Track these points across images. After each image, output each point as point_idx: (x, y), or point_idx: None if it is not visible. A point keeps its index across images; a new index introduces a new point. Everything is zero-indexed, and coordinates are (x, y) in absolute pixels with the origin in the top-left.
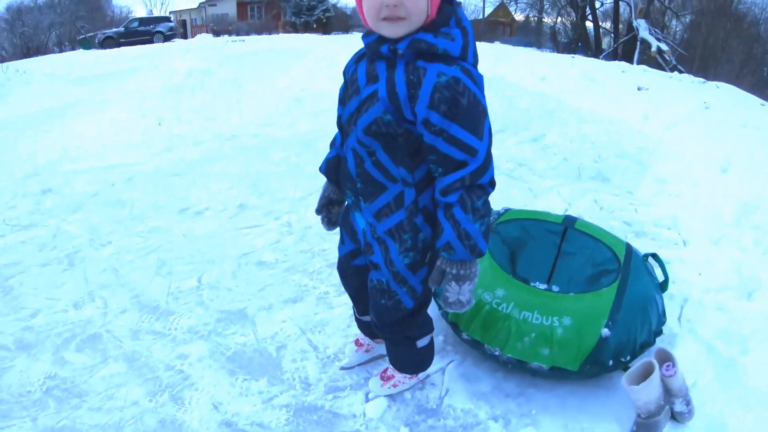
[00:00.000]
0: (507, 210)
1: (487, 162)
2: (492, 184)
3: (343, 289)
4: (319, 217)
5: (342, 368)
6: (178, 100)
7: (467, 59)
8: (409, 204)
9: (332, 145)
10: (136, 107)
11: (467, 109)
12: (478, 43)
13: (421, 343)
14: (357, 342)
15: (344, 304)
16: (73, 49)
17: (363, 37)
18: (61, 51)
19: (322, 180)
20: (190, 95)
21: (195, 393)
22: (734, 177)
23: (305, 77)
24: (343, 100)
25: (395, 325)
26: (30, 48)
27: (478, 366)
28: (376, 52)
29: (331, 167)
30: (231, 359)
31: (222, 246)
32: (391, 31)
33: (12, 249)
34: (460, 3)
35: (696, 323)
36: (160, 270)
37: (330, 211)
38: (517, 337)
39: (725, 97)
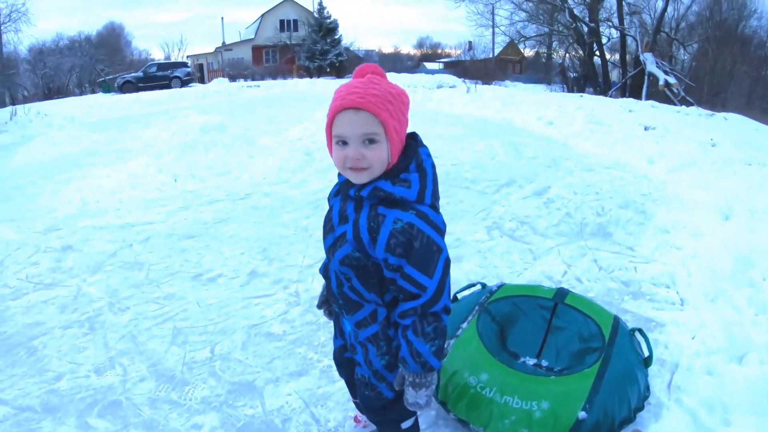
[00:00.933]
0: (501, 286)
1: (437, 296)
2: (446, 311)
3: None
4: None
5: None
6: (193, 156)
7: (424, 201)
8: (382, 319)
9: None
10: (153, 161)
11: (419, 251)
12: (488, 86)
13: (406, 425)
14: (356, 418)
15: None
16: (93, 91)
17: (338, 175)
18: (81, 92)
19: None
20: (204, 151)
21: None
22: (735, 225)
23: (316, 128)
24: (324, 232)
25: (380, 410)
26: (51, 89)
27: None
28: (347, 194)
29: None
30: (241, 430)
31: (234, 316)
32: (355, 178)
33: (35, 308)
34: (421, 143)
35: (683, 391)
36: (176, 339)
37: (330, 305)
38: (499, 418)
39: (733, 130)
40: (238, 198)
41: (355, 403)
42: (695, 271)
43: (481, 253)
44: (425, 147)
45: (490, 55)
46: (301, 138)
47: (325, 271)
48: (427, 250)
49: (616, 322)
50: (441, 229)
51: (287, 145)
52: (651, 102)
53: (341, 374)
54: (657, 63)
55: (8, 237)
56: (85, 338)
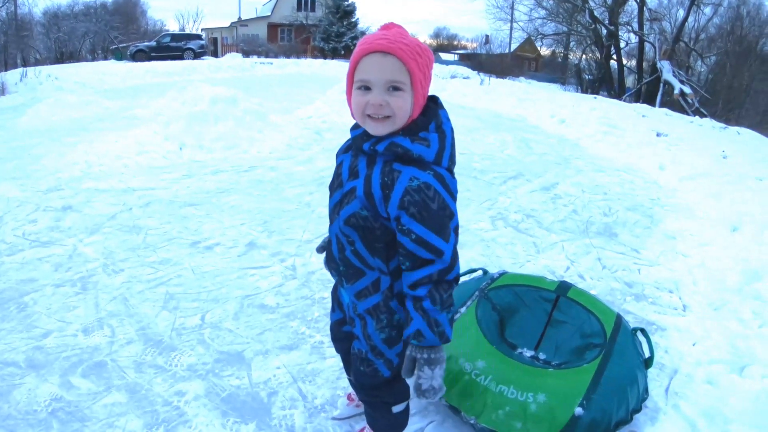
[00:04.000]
0: (502, 274)
1: (453, 262)
2: (457, 280)
3: None
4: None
5: (333, 418)
6: (201, 127)
7: (441, 163)
8: (385, 289)
9: None
10: (160, 129)
11: (435, 212)
12: (502, 80)
13: (397, 408)
14: (349, 396)
15: (336, 356)
16: (106, 58)
17: (351, 129)
18: (93, 59)
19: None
20: (214, 123)
21: (188, 431)
22: (744, 238)
23: (328, 109)
24: (330, 190)
25: (373, 389)
26: (63, 53)
27: (457, 428)
28: (360, 148)
29: None
30: (225, 401)
31: (228, 285)
32: (374, 129)
33: (30, 265)
34: (442, 105)
35: (682, 398)
36: (167, 304)
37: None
38: (493, 408)
39: (745, 144)
40: (242, 170)
41: (349, 380)
42: (701, 280)
43: (485, 242)
44: (445, 110)
45: (507, 50)
46: (311, 117)
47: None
48: (442, 213)
49: (619, 320)
50: (454, 194)
51: (298, 123)
52: (665, 110)
53: (338, 349)
54: (674, 72)
55: (10, 194)
56: (76, 297)
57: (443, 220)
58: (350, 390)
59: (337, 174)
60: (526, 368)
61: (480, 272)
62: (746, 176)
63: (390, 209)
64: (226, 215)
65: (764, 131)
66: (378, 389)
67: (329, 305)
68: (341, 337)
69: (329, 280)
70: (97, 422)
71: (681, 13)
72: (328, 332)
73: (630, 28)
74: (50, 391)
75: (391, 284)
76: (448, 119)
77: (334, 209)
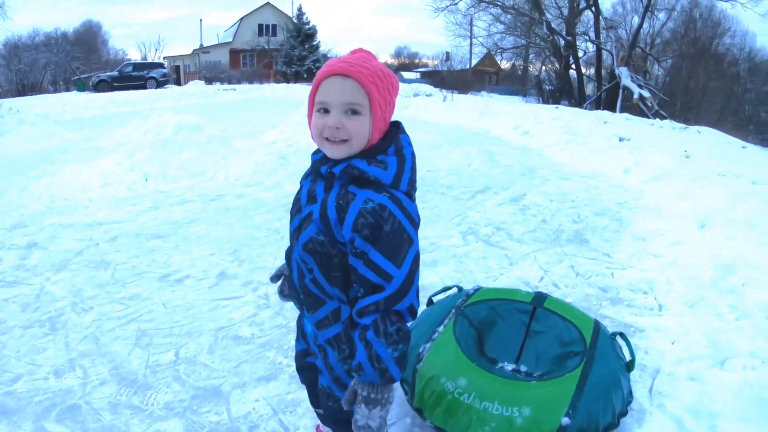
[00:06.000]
0: (478, 289)
1: (404, 290)
2: (411, 311)
3: None
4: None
5: None
6: (165, 156)
7: (400, 187)
8: (345, 319)
9: None
10: (124, 160)
11: (389, 235)
12: (464, 96)
13: None
14: (317, 429)
15: None
16: (68, 89)
17: (312, 154)
18: (55, 90)
19: None
20: (178, 151)
21: None
22: (713, 234)
23: (292, 132)
24: (291, 215)
25: (343, 423)
26: (25, 85)
27: None
28: (318, 172)
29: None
30: None
31: (200, 318)
32: (332, 152)
33: None
34: (404, 130)
35: (666, 397)
36: (140, 341)
37: (284, 283)
38: (478, 425)
39: (706, 143)
40: (209, 199)
41: (317, 413)
42: (675, 278)
43: (457, 257)
44: (407, 135)
45: (467, 66)
46: (276, 141)
47: (287, 258)
48: (397, 236)
49: (597, 326)
50: (414, 219)
51: (262, 148)
52: (625, 115)
53: (302, 380)
54: (632, 77)
55: None
56: (45, 339)
57: (398, 243)
58: (319, 422)
59: (297, 199)
60: (509, 382)
61: (455, 289)
62: (709, 173)
63: (345, 232)
64: (195, 246)
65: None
66: (348, 422)
67: None
68: (306, 367)
69: None
70: None
71: (636, 20)
72: None
73: (587, 38)
74: None
75: (350, 314)
76: (410, 144)
77: (294, 234)
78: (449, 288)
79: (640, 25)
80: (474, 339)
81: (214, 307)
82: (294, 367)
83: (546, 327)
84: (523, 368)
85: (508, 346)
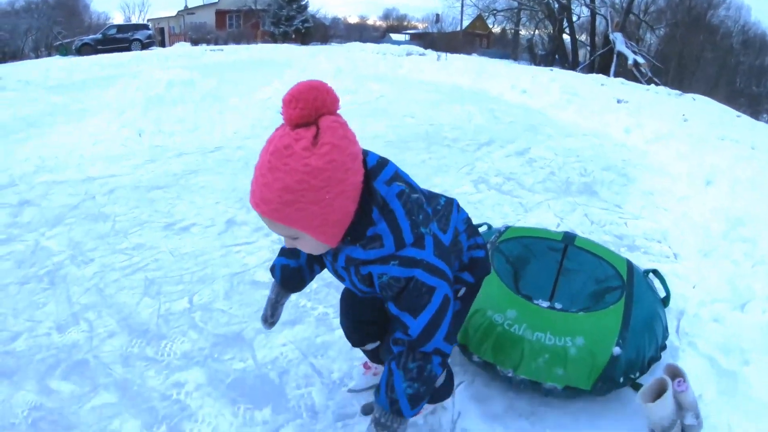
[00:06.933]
0: (507, 228)
1: (426, 336)
2: (438, 353)
3: None
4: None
5: (350, 390)
6: (159, 112)
7: (405, 245)
8: None
9: (288, 254)
10: (115, 118)
11: (406, 294)
12: (456, 55)
13: (438, 382)
14: (365, 365)
15: None
16: (50, 55)
17: None
18: (37, 56)
19: None
20: (171, 106)
21: (195, 425)
22: (719, 191)
23: (287, 88)
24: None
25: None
26: (6, 53)
27: (488, 387)
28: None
29: (288, 276)
30: (231, 386)
31: (212, 265)
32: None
33: None
34: (376, 174)
35: (694, 336)
36: (149, 290)
37: (275, 314)
38: (531, 358)
39: (702, 109)
40: (208, 151)
41: (363, 351)
42: (687, 229)
43: (472, 204)
44: (382, 173)
45: (458, 28)
46: (270, 98)
47: (284, 274)
48: (414, 293)
49: (630, 264)
50: (430, 264)
51: (258, 104)
52: (620, 79)
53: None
54: (626, 43)
55: None
56: (44, 293)
57: (417, 298)
58: (366, 358)
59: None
60: (558, 314)
61: (485, 227)
62: (708, 136)
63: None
64: (198, 195)
65: (716, 98)
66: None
67: (327, 276)
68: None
69: None
70: (87, 428)
71: None
72: (332, 303)
73: (582, 2)
74: (27, 399)
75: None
76: (387, 182)
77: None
78: (480, 225)
79: None
80: (511, 275)
81: (225, 253)
82: (319, 311)
83: (578, 265)
84: (557, 305)
85: (542, 284)
